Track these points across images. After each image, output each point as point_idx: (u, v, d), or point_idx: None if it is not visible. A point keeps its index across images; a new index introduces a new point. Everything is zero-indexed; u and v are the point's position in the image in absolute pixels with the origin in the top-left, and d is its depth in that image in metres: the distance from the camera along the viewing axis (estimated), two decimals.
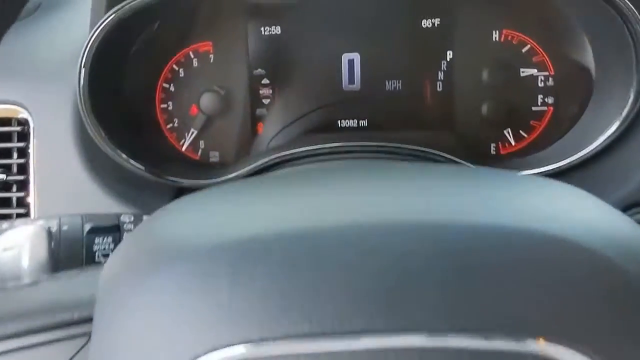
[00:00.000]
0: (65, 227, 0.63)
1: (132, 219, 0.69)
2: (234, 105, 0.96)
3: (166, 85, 0.96)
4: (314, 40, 0.94)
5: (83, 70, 0.81)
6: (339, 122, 0.96)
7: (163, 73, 0.96)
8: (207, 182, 0.91)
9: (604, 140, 0.81)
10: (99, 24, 0.80)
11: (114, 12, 0.80)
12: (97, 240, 0.65)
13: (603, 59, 0.84)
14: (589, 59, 0.86)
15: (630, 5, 0.75)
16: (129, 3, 0.80)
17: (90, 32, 0.82)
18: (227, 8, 0.93)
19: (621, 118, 0.79)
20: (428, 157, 0.89)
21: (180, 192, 0.93)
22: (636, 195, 0.79)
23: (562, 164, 0.84)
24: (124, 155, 0.86)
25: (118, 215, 0.69)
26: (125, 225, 0.68)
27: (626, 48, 0.78)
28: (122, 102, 0.92)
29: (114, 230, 0.66)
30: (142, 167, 0.87)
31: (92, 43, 0.81)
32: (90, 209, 0.85)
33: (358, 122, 0.95)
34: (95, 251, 0.65)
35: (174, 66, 0.96)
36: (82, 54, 0.81)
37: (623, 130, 0.79)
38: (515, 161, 0.91)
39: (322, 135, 0.96)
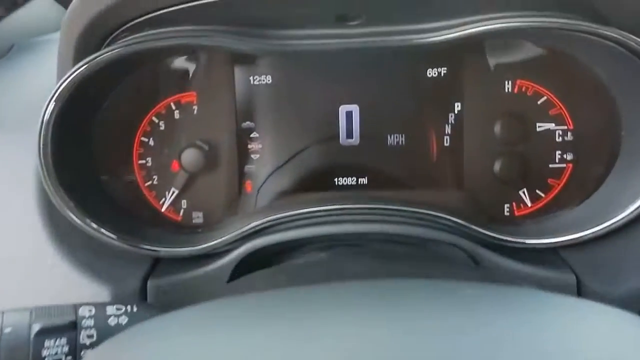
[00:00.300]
0: (8, 330, 0.52)
1: (92, 311, 0.58)
2: (220, 161, 0.85)
3: (145, 139, 0.86)
4: (308, 91, 0.83)
5: (45, 130, 0.71)
6: (336, 180, 0.85)
7: (141, 126, 0.85)
8: (186, 250, 0.80)
9: (634, 211, 0.70)
10: (63, 79, 0.70)
11: (82, 66, 0.70)
12: (47, 343, 0.53)
13: (633, 117, 0.74)
14: (614, 115, 0.76)
15: None
16: (100, 56, 0.70)
17: (55, 85, 0.72)
18: (213, 55, 0.83)
19: None
20: (435, 220, 0.79)
21: (157, 261, 0.82)
22: None
23: (584, 234, 0.74)
24: (94, 225, 0.75)
25: (76, 308, 0.58)
26: (84, 322, 0.56)
27: None
28: (93, 160, 0.82)
29: (69, 329, 0.55)
30: (115, 236, 0.77)
31: (56, 98, 0.71)
32: (53, 285, 0.75)
33: (357, 180, 0.85)
34: (45, 357, 0.53)
35: (154, 118, 0.85)
36: (43, 112, 0.71)
37: None
38: (532, 227, 0.80)
39: (317, 195, 0.85)
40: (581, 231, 0.74)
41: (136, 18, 0.69)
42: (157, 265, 0.82)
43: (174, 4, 0.66)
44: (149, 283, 0.78)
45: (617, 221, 0.72)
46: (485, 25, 0.68)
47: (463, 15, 0.71)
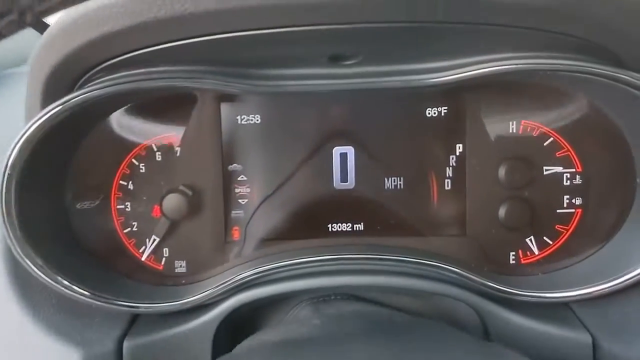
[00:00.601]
0: None
1: None
2: (204, 207, 0.78)
3: (123, 183, 0.78)
4: (300, 131, 0.77)
5: (7, 178, 0.63)
6: (330, 226, 0.78)
7: (120, 169, 0.78)
8: (169, 305, 0.72)
9: None
10: (30, 124, 0.62)
11: (51, 110, 0.63)
12: None
13: None
14: (628, 160, 0.70)
15: None
16: (71, 99, 0.63)
17: (22, 130, 0.65)
18: (197, 93, 0.76)
19: None
20: (437, 271, 0.72)
21: (135, 318, 0.74)
22: None
23: (599, 289, 0.67)
24: (64, 282, 0.67)
25: None
26: None
27: None
28: (64, 209, 0.74)
29: None
30: (88, 293, 0.69)
31: (22, 145, 0.64)
32: (18, 351, 0.67)
33: (353, 226, 0.78)
34: None
35: (134, 161, 0.78)
36: (7, 159, 0.63)
37: None
38: (541, 278, 0.74)
39: (310, 242, 0.78)
40: (595, 285, 0.68)
41: (111, 58, 0.62)
42: (135, 322, 0.74)
43: (152, 44, 0.59)
44: (125, 343, 0.70)
45: (635, 276, 0.66)
46: (491, 67, 0.62)
47: (467, 55, 0.65)
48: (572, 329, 0.67)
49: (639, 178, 0.69)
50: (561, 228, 0.76)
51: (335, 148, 0.77)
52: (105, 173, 0.77)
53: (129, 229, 0.79)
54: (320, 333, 0.59)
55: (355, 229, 0.78)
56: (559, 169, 0.75)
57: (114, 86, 0.63)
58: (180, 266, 0.79)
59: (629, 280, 0.66)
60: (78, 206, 0.75)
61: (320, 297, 0.77)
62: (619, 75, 0.61)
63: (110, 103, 0.70)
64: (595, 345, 0.65)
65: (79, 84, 0.65)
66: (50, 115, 0.63)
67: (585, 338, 0.65)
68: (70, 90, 0.65)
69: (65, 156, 0.74)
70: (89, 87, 0.63)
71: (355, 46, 0.64)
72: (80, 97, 0.63)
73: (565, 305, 0.70)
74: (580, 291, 0.68)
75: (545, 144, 0.75)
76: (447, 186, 0.77)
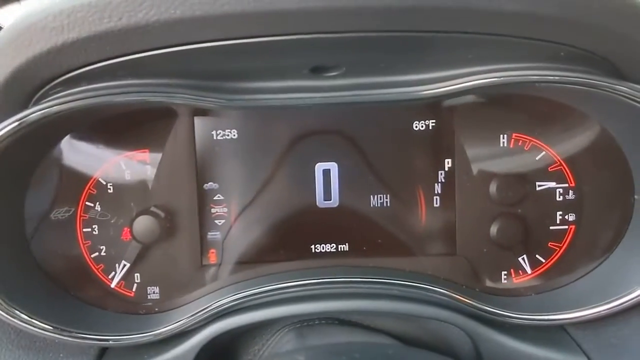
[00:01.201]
0: None
1: None
2: (178, 229, 0.71)
3: (90, 204, 0.71)
4: (280, 147, 0.70)
5: None
6: (313, 247, 0.72)
7: (85, 188, 0.71)
8: (141, 337, 0.65)
9: None
10: None
11: (2, 128, 0.56)
12: None
13: None
14: (626, 176, 0.65)
15: None
16: (26, 117, 0.55)
17: None
18: (169, 107, 0.69)
19: None
20: (426, 293, 0.66)
21: (105, 350, 0.67)
22: None
23: (595, 312, 0.62)
24: (23, 316, 0.60)
25: None
26: None
27: None
28: (24, 234, 0.66)
29: None
30: (51, 327, 0.61)
31: None
32: None
33: (337, 247, 0.72)
34: None
35: (101, 180, 0.71)
36: None
37: None
38: (534, 300, 0.68)
39: (292, 265, 0.72)
40: (592, 307, 0.63)
41: (70, 71, 0.55)
42: (104, 355, 0.67)
43: (115, 55, 0.52)
44: None
45: (634, 297, 0.61)
46: (484, 79, 0.57)
47: (456, 66, 0.59)
48: (570, 353, 0.62)
49: (637, 194, 0.64)
50: (554, 245, 0.71)
51: (317, 164, 0.70)
52: (69, 194, 0.70)
53: (97, 253, 0.71)
54: None
55: (339, 249, 0.72)
56: (552, 184, 0.70)
57: (73, 102, 0.55)
58: (153, 292, 0.72)
59: (627, 303, 0.61)
60: (40, 230, 0.67)
61: (303, 321, 0.71)
62: (619, 87, 0.56)
63: (71, 119, 0.62)
64: None
65: (35, 98, 0.58)
66: (3, 134, 0.56)
67: None
68: (25, 106, 0.58)
69: (24, 176, 0.66)
70: (45, 102, 0.56)
71: (338, 57, 0.58)
72: (35, 114, 0.56)
73: (560, 327, 0.66)
74: (576, 313, 0.63)
75: (537, 158, 0.70)
76: (436, 203, 0.71)
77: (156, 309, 0.71)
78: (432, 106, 0.69)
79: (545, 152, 0.70)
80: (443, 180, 0.71)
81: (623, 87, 0.56)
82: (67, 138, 0.67)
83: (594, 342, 0.63)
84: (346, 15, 0.47)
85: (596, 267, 0.67)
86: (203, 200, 0.71)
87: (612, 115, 0.62)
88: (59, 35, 0.50)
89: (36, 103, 0.58)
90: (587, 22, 0.50)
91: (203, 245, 0.71)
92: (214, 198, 0.71)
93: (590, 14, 0.51)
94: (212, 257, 0.72)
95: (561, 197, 0.71)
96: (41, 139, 0.63)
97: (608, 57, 0.54)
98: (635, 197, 0.64)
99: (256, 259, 0.72)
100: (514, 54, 0.55)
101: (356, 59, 0.58)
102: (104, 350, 0.67)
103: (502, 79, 0.56)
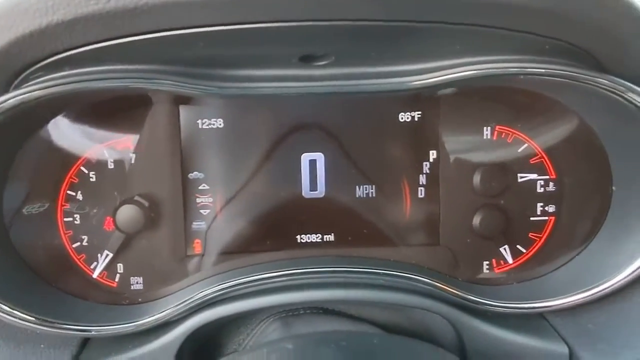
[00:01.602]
0: None
1: None
2: (163, 219, 0.69)
3: (72, 193, 0.69)
4: (266, 137, 0.69)
5: None
6: (298, 237, 0.72)
7: (67, 178, 0.69)
8: (124, 327, 0.64)
9: (630, 274, 0.61)
10: None
11: None
12: None
13: (626, 171, 0.65)
14: (604, 168, 0.67)
15: None
16: (4, 102, 0.54)
17: None
18: (154, 95, 0.68)
19: None
20: (410, 283, 0.67)
21: (87, 341, 0.65)
22: None
23: (574, 300, 0.64)
24: (4, 307, 0.58)
25: None
26: None
27: None
28: (3, 223, 0.64)
29: None
30: (33, 319, 0.60)
31: None
32: None
33: (322, 237, 0.72)
34: None
35: (83, 168, 0.69)
36: None
37: None
38: (515, 289, 0.69)
39: (277, 255, 0.71)
40: (571, 295, 0.64)
41: (53, 55, 0.53)
42: (86, 345, 0.65)
43: (99, 40, 0.51)
44: None
45: (610, 286, 0.62)
46: (472, 70, 0.57)
47: (444, 58, 0.60)
48: (549, 340, 0.63)
49: (614, 186, 0.66)
50: (535, 236, 0.72)
51: (304, 154, 0.70)
52: (50, 183, 0.68)
53: (78, 243, 0.69)
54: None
55: (325, 239, 0.72)
56: (533, 175, 0.71)
57: (54, 87, 0.54)
58: (137, 283, 0.71)
59: (603, 291, 0.63)
60: (20, 219, 0.65)
61: (289, 311, 0.71)
62: (599, 79, 0.57)
63: (53, 105, 0.61)
64: (572, 356, 0.62)
65: (15, 83, 0.56)
66: None
67: (562, 349, 0.62)
68: (5, 91, 0.56)
69: (3, 164, 0.64)
70: (25, 87, 0.54)
71: (328, 46, 0.57)
72: (15, 99, 0.54)
73: (540, 315, 0.67)
74: (556, 302, 0.64)
75: (519, 150, 0.71)
76: (420, 194, 0.72)
77: (140, 299, 0.69)
78: (417, 98, 0.69)
79: (527, 145, 0.71)
80: (427, 172, 0.71)
81: (603, 80, 0.57)
82: (48, 125, 0.65)
83: (572, 329, 0.64)
84: (335, 3, 0.47)
85: (574, 257, 0.69)
86: (188, 190, 0.70)
87: (592, 108, 0.63)
88: (43, 17, 0.49)
89: (16, 88, 0.56)
90: (569, 15, 0.50)
91: (187, 236, 0.70)
92: (199, 188, 0.70)
93: (572, 7, 0.51)
94: (197, 247, 0.71)
95: (542, 188, 0.72)
96: (21, 125, 0.61)
97: (590, 50, 0.55)
98: (613, 188, 0.66)
99: (241, 249, 0.71)
100: (500, 46, 0.56)
101: (345, 49, 0.58)
102: (86, 341, 0.66)
103: (486, 70, 0.56)
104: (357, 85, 0.60)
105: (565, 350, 0.62)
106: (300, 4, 0.48)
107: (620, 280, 0.61)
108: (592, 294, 0.63)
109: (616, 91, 0.56)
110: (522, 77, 0.57)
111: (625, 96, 0.57)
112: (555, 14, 0.50)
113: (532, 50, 0.56)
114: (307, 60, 0.60)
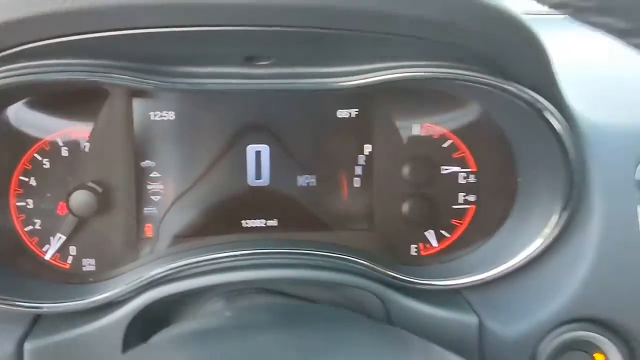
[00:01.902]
0: None
1: None
2: (116, 204, 0.74)
3: (24, 179, 0.72)
4: (214, 129, 0.75)
5: None
6: (244, 222, 0.77)
7: (19, 164, 0.72)
8: (75, 304, 0.68)
9: (529, 254, 0.70)
10: None
11: None
12: None
13: (527, 165, 0.74)
14: (511, 162, 0.76)
15: (566, 124, 0.66)
16: None
17: None
18: (109, 88, 0.72)
19: (546, 232, 0.69)
20: (345, 263, 0.74)
21: (38, 318, 0.69)
22: (572, 309, 0.69)
23: (483, 277, 0.73)
24: None
25: None
26: None
27: (553, 159, 0.68)
28: None
29: None
30: None
31: None
32: None
33: (266, 223, 0.78)
34: None
35: (36, 155, 0.72)
36: None
37: (550, 244, 0.70)
38: (437, 268, 0.78)
39: (224, 238, 0.77)
40: (481, 273, 0.73)
41: (7, 49, 0.57)
42: (37, 322, 0.69)
43: (52, 36, 0.55)
44: (26, 345, 0.65)
45: (513, 265, 0.72)
46: (394, 74, 0.64)
47: (371, 61, 0.67)
48: (463, 312, 0.72)
49: (519, 177, 0.76)
50: (457, 222, 0.81)
51: (249, 146, 0.76)
52: (3, 169, 0.71)
53: (31, 227, 0.73)
54: (230, 323, 0.59)
55: (268, 224, 0.78)
56: (456, 168, 0.80)
57: (10, 78, 0.57)
58: (89, 264, 0.75)
59: (509, 269, 0.72)
60: None
61: (233, 290, 0.76)
62: (505, 86, 0.66)
63: (9, 94, 0.64)
64: (480, 325, 0.71)
65: None
66: None
67: (473, 319, 0.71)
68: None
69: None
70: None
71: (268, 48, 0.63)
72: None
73: (457, 291, 0.76)
74: (470, 279, 0.73)
75: (444, 146, 0.80)
76: (356, 184, 0.79)
77: (91, 279, 0.74)
78: (354, 96, 0.77)
79: (451, 141, 0.80)
80: (363, 164, 0.79)
81: (508, 87, 0.66)
82: (2, 113, 0.68)
83: (482, 303, 0.73)
84: (264, 11, 0.53)
85: (488, 240, 0.78)
86: (140, 177, 0.74)
87: (501, 110, 0.73)
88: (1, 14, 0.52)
89: None
90: (460, 26, 0.57)
91: (139, 220, 0.75)
92: (151, 175, 0.75)
93: (460, 19, 0.58)
94: (148, 231, 0.76)
95: (464, 180, 0.80)
96: None
97: (496, 59, 0.64)
98: (518, 179, 0.75)
99: (190, 233, 0.76)
100: (423, 53, 0.64)
101: (284, 52, 0.64)
102: (37, 318, 0.69)
103: (403, 74, 0.64)
104: (294, 84, 0.67)
105: (476, 320, 0.71)
106: (241, 12, 0.53)
107: (521, 259, 0.71)
108: (499, 272, 0.72)
109: (519, 96, 0.65)
110: (434, 80, 0.65)
111: (525, 99, 0.65)
112: (448, 25, 0.57)
113: (453, 58, 0.64)
114: (251, 60, 0.66)
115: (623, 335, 0.67)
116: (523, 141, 0.73)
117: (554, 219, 0.68)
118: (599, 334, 0.67)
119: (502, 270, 0.72)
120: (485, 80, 0.64)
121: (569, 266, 0.69)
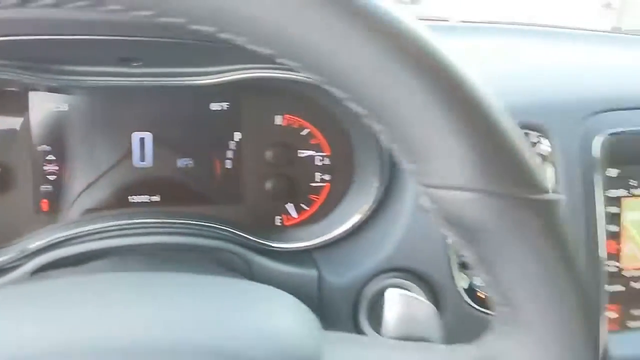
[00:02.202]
0: None
1: None
2: (14, 183, 0.87)
3: None
4: (103, 119, 0.89)
5: None
6: (130, 197, 0.92)
7: None
8: None
9: (355, 223, 0.89)
10: None
11: None
12: None
13: (360, 152, 0.93)
14: (351, 146, 0.95)
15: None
16: None
17: None
18: (6, 82, 0.85)
19: (368, 202, 0.88)
20: (216, 232, 0.90)
21: None
22: (389, 261, 0.88)
23: (330, 237, 0.91)
24: None
25: None
26: None
27: (371, 144, 0.87)
28: None
29: None
30: None
31: None
32: None
33: (150, 199, 0.93)
34: None
35: None
36: None
37: (372, 211, 0.88)
38: (297, 232, 0.95)
39: (111, 212, 0.91)
40: (323, 236, 0.91)
41: None
42: None
43: None
44: None
45: (349, 227, 0.90)
46: (239, 74, 0.81)
47: (229, 63, 0.83)
48: (307, 268, 0.89)
49: (355, 160, 0.93)
50: (314, 197, 0.98)
51: (134, 133, 0.90)
52: None
53: None
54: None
55: (152, 200, 0.93)
56: (312, 152, 0.97)
57: None
58: None
59: (341, 232, 0.90)
60: None
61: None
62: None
63: None
64: (319, 278, 0.88)
65: None
66: None
67: (314, 273, 0.88)
68: None
69: None
70: None
71: (136, 52, 0.78)
72: None
73: (308, 252, 0.92)
74: (312, 241, 0.90)
75: (302, 134, 0.96)
76: (228, 165, 0.95)
77: None
78: (224, 91, 0.92)
79: (309, 129, 0.96)
80: (234, 149, 0.94)
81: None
82: None
83: (325, 260, 0.90)
84: (117, 25, 0.68)
85: (335, 209, 0.95)
86: (37, 160, 0.88)
87: (335, 102, 0.90)
88: None
89: None
90: None
91: (35, 197, 0.88)
92: (47, 158, 0.88)
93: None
94: (44, 206, 0.89)
95: (320, 162, 0.97)
96: None
97: None
98: (355, 163, 0.93)
99: (82, 208, 0.90)
100: (259, 57, 0.80)
101: (150, 55, 0.79)
102: None
103: (245, 75, 0.81)
104: (162, 81, 0.82)
105: (316, 273, 0.88)
106: (100, 25, 0.68)
107: (354, 223, 0.88)
108: (336, 235, 0.89)
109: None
110: (276, 79, 0.81)
111: None
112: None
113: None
114: (125, 60, 0.81)
115: (427, 282, 0.86)
116: (355, 130, 0.91)
117: (373, 192, 0.86)
118: (410, 281, 0.86)
119: (339, 233, 0.89)
120: (305, 79, 0.80)
121: (389, 228, 0.87)
